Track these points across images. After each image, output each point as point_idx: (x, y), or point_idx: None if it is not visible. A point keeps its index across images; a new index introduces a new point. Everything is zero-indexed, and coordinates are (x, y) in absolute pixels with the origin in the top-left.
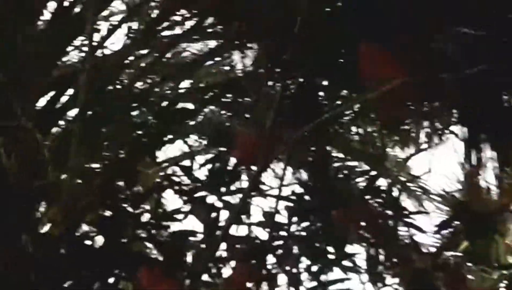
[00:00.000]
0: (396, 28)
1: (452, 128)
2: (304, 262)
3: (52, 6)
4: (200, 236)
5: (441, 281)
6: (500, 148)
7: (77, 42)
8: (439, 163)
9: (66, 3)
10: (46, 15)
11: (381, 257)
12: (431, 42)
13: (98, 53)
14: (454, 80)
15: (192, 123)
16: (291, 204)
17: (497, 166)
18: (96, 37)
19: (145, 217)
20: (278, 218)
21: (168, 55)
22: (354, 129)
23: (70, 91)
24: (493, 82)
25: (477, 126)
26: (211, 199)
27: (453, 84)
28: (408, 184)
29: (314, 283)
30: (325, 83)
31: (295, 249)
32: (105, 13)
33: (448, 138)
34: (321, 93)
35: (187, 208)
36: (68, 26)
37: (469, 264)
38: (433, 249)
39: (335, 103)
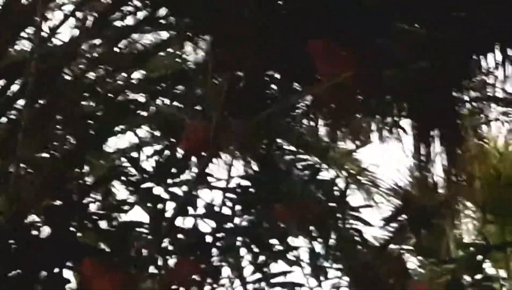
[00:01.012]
0: (345, 24)
1: (401, 122)
2: (248, 254)
3: None
4: (146, 227)
5: (385, 274)
6: (448, 142)
7: (27, 31)
8: (389, 157)
9: None
10: None
11: (324, 251)
12: (377, 38)
13: (48, 43)
14: (402, 75)
15: (143, 114)
16: (236, 197)
17: (445, 160)
18: (47, 26)
19: (93, 208)
20: (224, 210)
21: (120, 46)
22: (305, 122)
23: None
24: (443, 77)
25: (427, 121)
26: (158, 190)
27: (402, 79)
28: (359, 177)
29: (258, 276)
30: (276, 76)
31: (239, 242)
32: (55, 2)
33: (397, 132)
34: (273, 86)
35: (133, 199)
36: (18, 16)
37: (419, 257)
38: (380, 242)
39: (286, 96)
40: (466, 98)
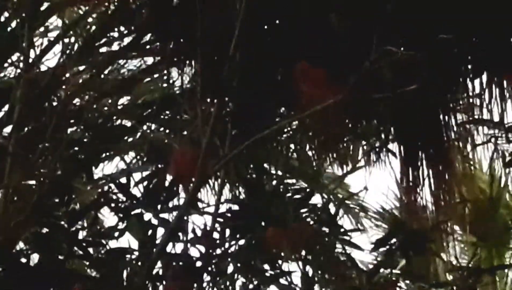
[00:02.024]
0: (331, 48)
1: (389, 146)
2: (240, 280)
3: None
4: (136, 254)
5: None
6: (436, 166)
7: (13, 57)
8: (377, 181)
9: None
10: None
11: (317, 275)
12: (365, 61)
13: (34, 69)
14: (388, 99)
15: (129, 140)
16: (227, 222)
17: (433, 183)
18: (33, 53)
19: (81, 235)
20: (215, 236)
21: (106, 71)
22: (292, 146)
23: (6, 107)
24: (430, 100)
25: (414, 144)
26: (148, 216)
27: (388, 103)
28: (346, 201)
29: None
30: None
31: (231, 267)
32: (41, 28)
33: (385, 156)
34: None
35: (123, 225)
36: (3, 42)
37: (407, 281)
38: (370, 267)
39: (273, 121)
40: (454, 121)
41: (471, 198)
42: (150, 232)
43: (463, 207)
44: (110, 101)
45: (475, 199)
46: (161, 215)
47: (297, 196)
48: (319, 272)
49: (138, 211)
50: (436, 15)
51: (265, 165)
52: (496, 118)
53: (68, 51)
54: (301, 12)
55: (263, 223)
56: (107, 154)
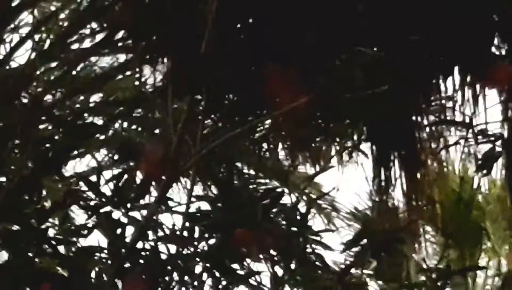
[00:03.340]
0: (300, 48)
1: (361, 146)
2: (209, 279)
3: None
4: (105, 252)
5: None
6: (408, 166)
7: None
8: (349, 181)
9: None
10: None
11: (285, 275)
12: (336, 62)
13: (5, 65)
14: (361, 99)
15: (101, 137)
16: (197, 221)
17: (405, 184)
18: (3, 49)
19: (51, 233)
20: (184, 234)
21: (77, 68)
22: (264, 145)
23: None
24: (402, 101)
25: (386, 145)
26: (117, 214)
27: (361, 103)
28: (318, 201)
29: None
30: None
31: (200, 266)
32: (12, 25)
33: (357, 156)
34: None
35: (92, 223)
36: None
37: (379, 282)
38: (341, 267)
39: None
40: (426, 122)
41: (443, 199)
42: (119, 230)
43: (435, 207)
44: (81, 98)
45: (447, 200)
46: (131, 214)
47: (268, 196)
48: (289, 272)
49: (107, 209)
50: (408, 15)
51: (238, 164)
52: (468, 120)
53: (39, 48)
54: (275, 10)
55: (233, 223)
56: (78, 151)
